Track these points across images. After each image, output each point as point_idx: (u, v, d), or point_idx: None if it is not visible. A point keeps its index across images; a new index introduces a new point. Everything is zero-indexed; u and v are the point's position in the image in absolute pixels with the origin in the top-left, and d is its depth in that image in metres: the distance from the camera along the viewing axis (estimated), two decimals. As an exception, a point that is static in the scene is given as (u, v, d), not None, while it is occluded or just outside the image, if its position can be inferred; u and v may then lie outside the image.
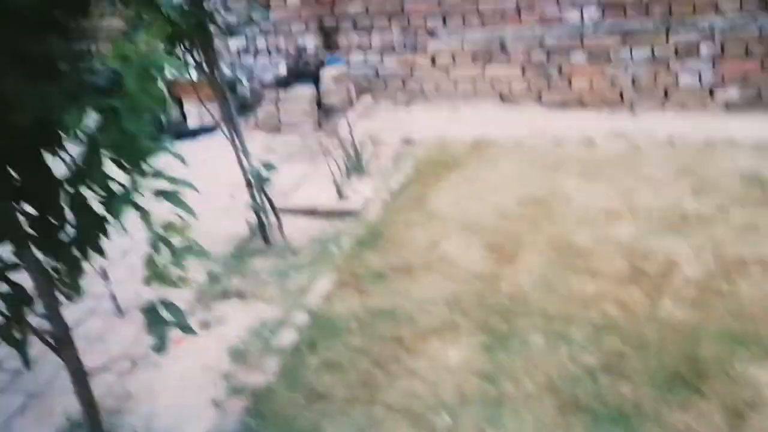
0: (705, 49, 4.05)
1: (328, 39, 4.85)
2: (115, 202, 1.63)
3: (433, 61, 4.69)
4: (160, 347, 1.82)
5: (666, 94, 4.22)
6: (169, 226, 1.79)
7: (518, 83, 4.52)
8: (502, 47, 4.48)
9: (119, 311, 2.82)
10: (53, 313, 1.78)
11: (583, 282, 2.67)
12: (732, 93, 4.08)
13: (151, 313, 1.81)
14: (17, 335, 1.71)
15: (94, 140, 1.52)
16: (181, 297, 2.81)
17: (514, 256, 2.89)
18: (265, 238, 3.24)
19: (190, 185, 1.74)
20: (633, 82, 4.25)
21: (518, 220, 3.17)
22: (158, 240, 1.78)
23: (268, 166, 3.07)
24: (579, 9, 4.25)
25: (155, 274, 1.82)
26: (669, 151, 3.74)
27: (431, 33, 4.63)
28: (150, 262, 1.79)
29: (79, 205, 1.59)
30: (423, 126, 4.41)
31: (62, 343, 1.81)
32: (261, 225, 3.22)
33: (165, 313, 1.82)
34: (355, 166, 3.83)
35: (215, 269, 3.04)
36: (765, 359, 2.16)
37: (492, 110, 4.55)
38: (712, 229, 2.91)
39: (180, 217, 1.78)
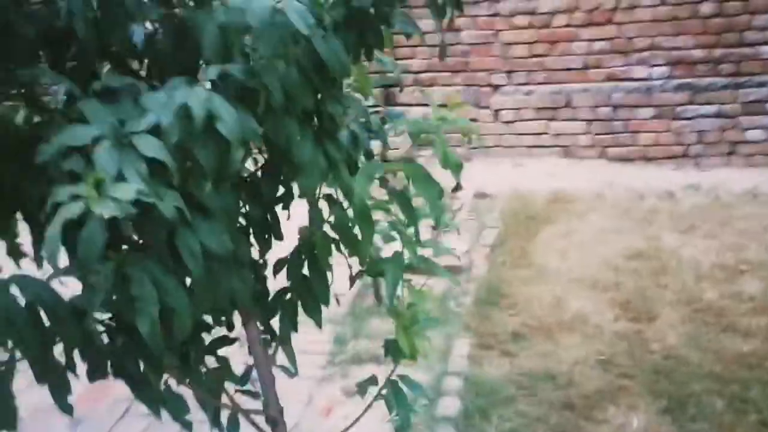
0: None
1: (388, 95, 4.81)
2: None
3: (496, 115, 4.69)
4: (404, 428, 1.67)
5: (732, 149, 4.30)
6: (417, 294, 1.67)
7: (583, 138, 4.55)
8: (568, 103, 4.51)
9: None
10: (269, 391, 1.62)
11: (734, 340, 2.63)
12: (799, 147, 4.20)
13: (395, 392, 1.67)
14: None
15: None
16: (312, 362, 2.68)
17: (650, 314, 2.84)
18: (377, 296, 3.11)
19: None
20: (699, 137, 4.33)
21: (634, 275, 3.13)
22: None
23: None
24: (648, 66, 4.33)
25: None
26: (754, 203, 3.80)
27: (495, 87, 4.64)
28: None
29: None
30: (493, 179, 4.37)
31: (276, 425, 1.65)
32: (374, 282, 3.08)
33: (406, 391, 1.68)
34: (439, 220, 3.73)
35: (339, 330, 2.89)
36: None
37: (557, 164, 4.55)
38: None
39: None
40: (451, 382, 2.53)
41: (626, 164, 4.47)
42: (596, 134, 4.52)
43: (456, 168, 1.48)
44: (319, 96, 1.25)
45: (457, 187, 1.72)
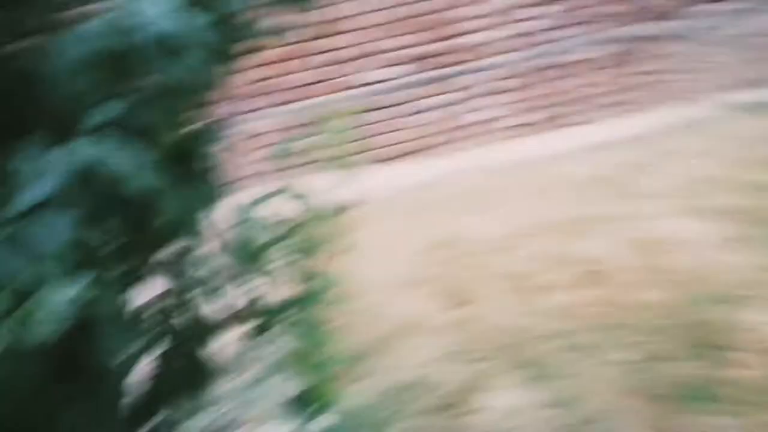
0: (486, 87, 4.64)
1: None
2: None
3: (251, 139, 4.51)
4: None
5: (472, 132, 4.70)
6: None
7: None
8: (312, 118, 4.51)
9: None
10: None
11: (550, 296, 2.85)
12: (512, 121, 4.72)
13: None
14: None
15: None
16: None
17: (473, 295, 2.94)
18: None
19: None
20: (436, 127, 4.65)
21: (444, 264, 3.23)
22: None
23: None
24: (376, 68, 4.53)
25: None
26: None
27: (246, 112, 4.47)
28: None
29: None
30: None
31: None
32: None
33: None
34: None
35: None
36: None
37: (321, 179, 4.52)
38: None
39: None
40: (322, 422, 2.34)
41: (385, 164, 4.62)
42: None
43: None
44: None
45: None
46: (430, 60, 4.56)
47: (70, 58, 0.77)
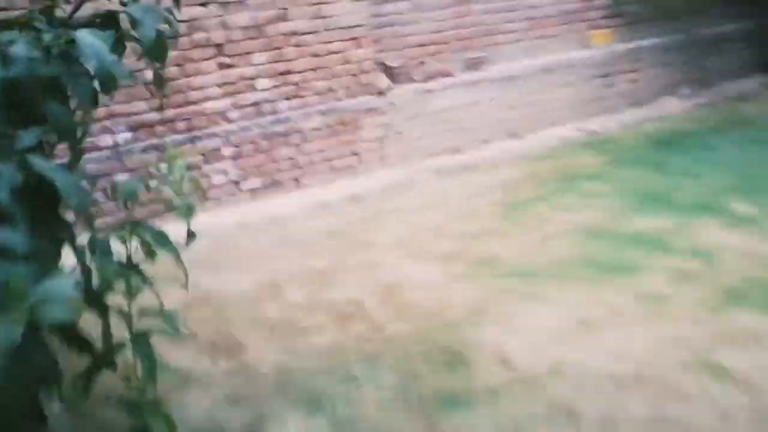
0: (227, 151, 4.82)
1: None
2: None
3: None
4: None
5: (204, 193, 4.78)
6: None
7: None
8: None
9: None
10: None
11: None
12: (254, 183, 4.96)
13: None
14: None
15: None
16: None
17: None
18: None
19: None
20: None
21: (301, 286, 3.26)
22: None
23: None
24: (110, 133, 4.42)
25: None
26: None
27: None
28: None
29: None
30: None
31: None
32: None
33: None
34: None
35: None
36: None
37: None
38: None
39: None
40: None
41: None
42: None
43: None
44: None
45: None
46: (164, 126, 4.60)
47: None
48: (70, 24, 1.11)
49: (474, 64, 5.98)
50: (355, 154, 5.32)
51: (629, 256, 3.65)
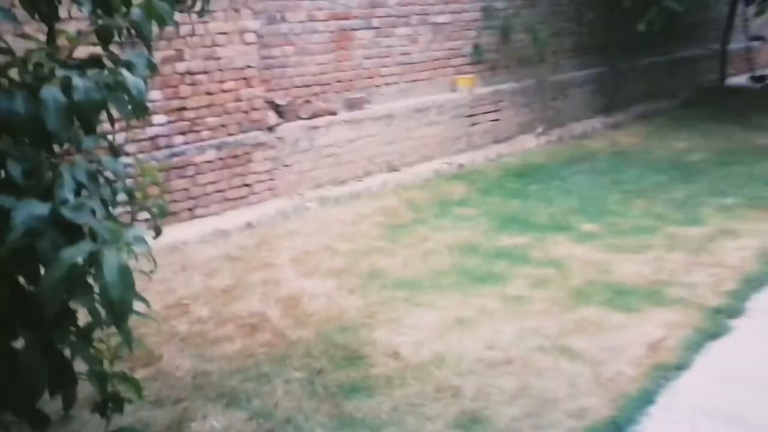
0: (123, 183, 5.01)
1: None
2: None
3: None
4: None
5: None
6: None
7: None
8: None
9: None
10: None
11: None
12: (150, 213, 5.16)
13: None
14: None
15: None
16: None
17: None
18: None
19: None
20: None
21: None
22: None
23: None
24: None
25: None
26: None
27: None
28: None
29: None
30: None
31: None
32: None
33: None
34: None
35: None
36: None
37: None
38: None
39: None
40: None
41: None
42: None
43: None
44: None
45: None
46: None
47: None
48: (68, 64, 1.46)
49: (355, 104, 6.53)
50: (247, 185, 5.66)
51: (496, 267, 4.25)
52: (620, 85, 9.25)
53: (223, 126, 5.50)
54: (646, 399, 2.80)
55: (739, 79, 11.54)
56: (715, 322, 3.42)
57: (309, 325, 3.59)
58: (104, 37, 1.55)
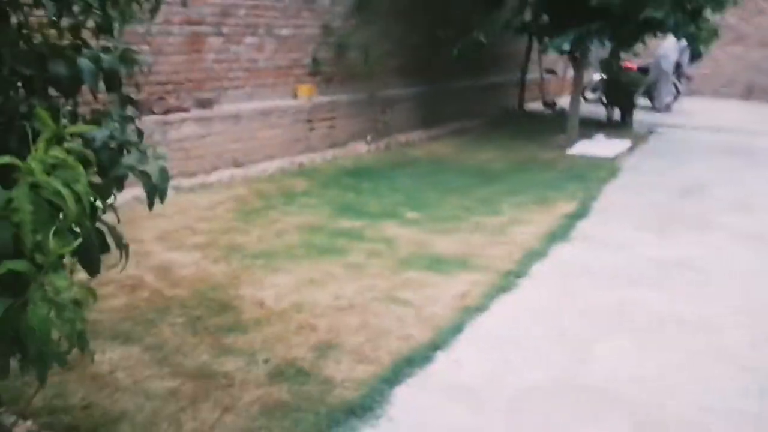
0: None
1: None
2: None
3: None
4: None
5: None
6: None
7: None
8: None
9: None
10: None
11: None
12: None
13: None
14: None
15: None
16: None
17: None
18: None
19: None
20: None
21: None
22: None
23: None
24: None
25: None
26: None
27: None
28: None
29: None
30: None
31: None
32: None
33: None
34: None
35: None
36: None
37: None
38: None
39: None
40: None
41: None
42: None
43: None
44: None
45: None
46: None
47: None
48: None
49: (205, 103, 7.08)
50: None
51: (338, 243, 5.08)
52: (438, 104, 10.57)
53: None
54: (456, 329, 3.75)
55: (535, 105, 13.48)
56: (507, 281, 4.50)
57: (182, 285, 4.17)
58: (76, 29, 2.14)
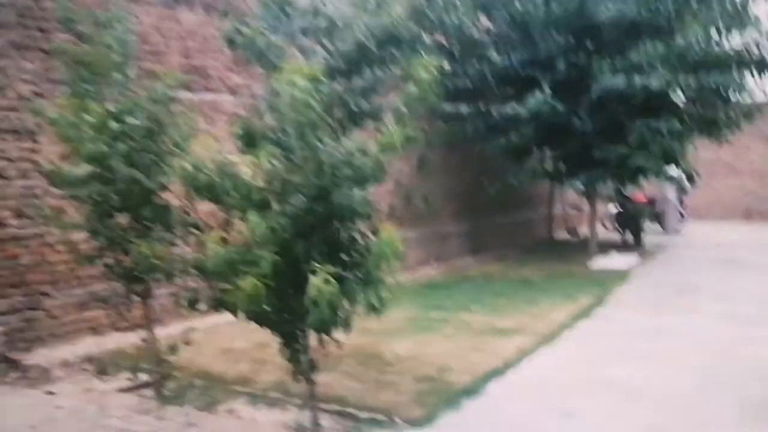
0: None
1: None
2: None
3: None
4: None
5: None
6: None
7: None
8: None
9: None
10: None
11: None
12: None
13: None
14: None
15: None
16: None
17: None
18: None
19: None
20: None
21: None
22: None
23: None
24: None
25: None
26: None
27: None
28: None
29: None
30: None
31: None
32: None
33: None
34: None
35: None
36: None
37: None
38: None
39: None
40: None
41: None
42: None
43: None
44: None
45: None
46: None
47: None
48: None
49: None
50: None
51: (433, 325, 7.64)
52: (483, 236, 13.39)
53: None
54: (517, 361, 6.23)
55: (561, 234, 16.27)
56: (548, 339, 6.99)
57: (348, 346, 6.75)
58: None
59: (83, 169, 4.19)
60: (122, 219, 4.83)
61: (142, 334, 5.36)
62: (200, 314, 6.05)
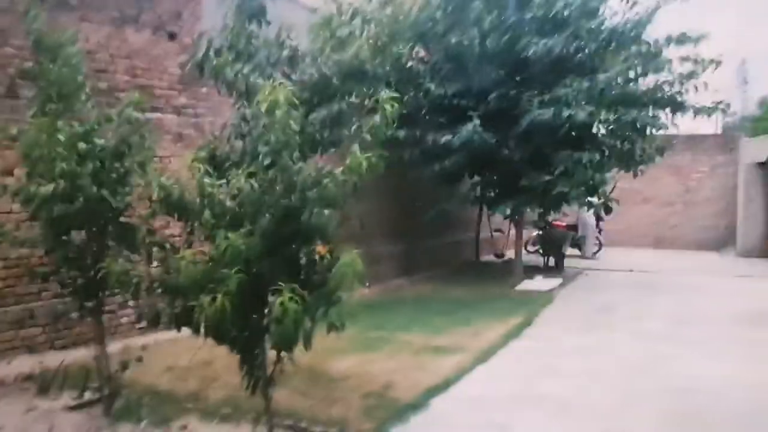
0: None
1: None
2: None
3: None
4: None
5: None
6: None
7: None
8: None
9: None
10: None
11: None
12: None
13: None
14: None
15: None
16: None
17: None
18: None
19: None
20: None
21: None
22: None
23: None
24: None
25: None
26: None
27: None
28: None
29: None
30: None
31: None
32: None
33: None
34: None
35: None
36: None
37: None
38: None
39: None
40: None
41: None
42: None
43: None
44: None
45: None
46: None
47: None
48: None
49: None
50: None
51: (374, 344, 7.90)
52: (415, 257, 13.78)
53: None
54: (456, 378, 6.56)
55: (487, 256, 16.90)
56: (482, 358, 7.37)
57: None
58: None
59: (48, 188, 4.26)
60: (78, 236, 4.89)
61: (82, 351, 5.38)
62: (140, 332, 6.05)
